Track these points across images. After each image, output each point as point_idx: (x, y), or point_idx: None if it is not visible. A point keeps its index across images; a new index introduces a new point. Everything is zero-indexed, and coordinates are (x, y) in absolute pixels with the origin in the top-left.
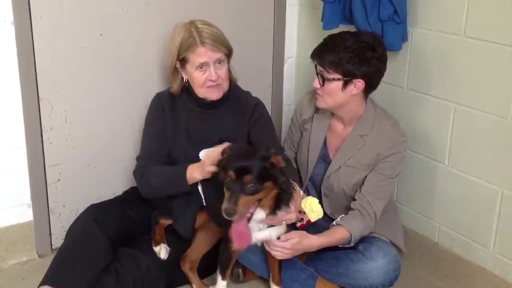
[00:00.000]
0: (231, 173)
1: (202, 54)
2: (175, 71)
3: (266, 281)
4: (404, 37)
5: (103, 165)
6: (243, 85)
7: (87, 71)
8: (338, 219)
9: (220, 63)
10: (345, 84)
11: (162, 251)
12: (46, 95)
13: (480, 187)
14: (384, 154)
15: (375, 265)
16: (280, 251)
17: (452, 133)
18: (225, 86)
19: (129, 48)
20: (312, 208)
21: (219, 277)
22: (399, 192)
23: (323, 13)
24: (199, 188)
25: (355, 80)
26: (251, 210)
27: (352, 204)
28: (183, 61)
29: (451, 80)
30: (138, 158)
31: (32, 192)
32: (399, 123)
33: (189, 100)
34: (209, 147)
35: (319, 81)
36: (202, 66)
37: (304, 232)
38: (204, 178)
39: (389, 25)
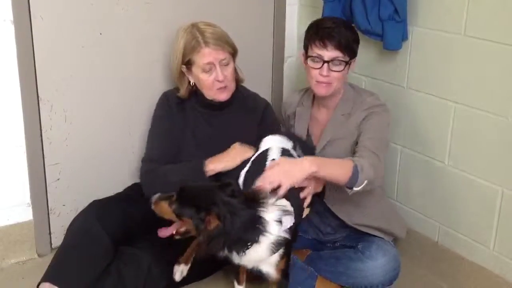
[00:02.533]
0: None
1: (207, 55)
2: (181, 75)
3: (266, 281)
4: (404, 36)
5: (103, 164)
6: (244, 84)
7: (87, 70)
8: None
9: (226, 63)
10: (349, 65)
11: (178, 273)
12: (45, 95)
13: (480, 186)
14: (364, 116)
15: (375, 264)
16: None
17: (452, 132)
18: (232, 86)
19: (129, 48)
20: None
21: (235, 282)
22: (399, 192)
23: (323, 13)
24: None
25: (353, 60)
26: (177, 226)
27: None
28: (188, 64)
29: (451, 79)
30: (145, 160)
31: (31, 191)
32: (380, 97)
33: (196, 102)
34: (215, 150)
35: (330, 69)
36: (208, 67)
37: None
38: (226, 169)
39: (389, 24)
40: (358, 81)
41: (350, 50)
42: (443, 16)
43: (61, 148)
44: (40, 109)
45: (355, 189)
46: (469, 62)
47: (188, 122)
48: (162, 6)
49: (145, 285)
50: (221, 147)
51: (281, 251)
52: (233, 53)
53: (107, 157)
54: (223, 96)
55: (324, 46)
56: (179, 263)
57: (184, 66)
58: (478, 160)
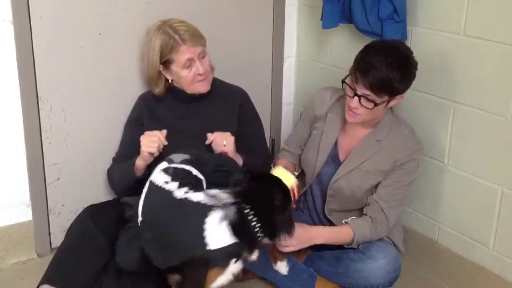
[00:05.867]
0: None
1: (186, 52)
2: (158, 75)
3: (265, 281)
4: (403, 36)
5: (102, 164)
6: (243, 84)
7: (86, 70)
8: (349, 219)
9: (203, 56)
10: (389, 101)
11: None
12: (45, 95)
13: (479, 186)
14: (401, 161)
15: (376, 264)
16: (288, 246)
17: (451, 132)
18: (211, 77)
19: (129, 48)
20: (284, 178)
21: None
22: None
23: (322, 12)
24: None
25: (398, 96)
26: None
27: (365, 210)
28: (166, 63)
29: (451, 79)
30: (113, 159)
31: (31, 191)
32: (416, 133)
33: (174, 98)
34: (200, 141)
35: (360, 103)
36: (188, 63)
37: (305, 225)
38: (145, 162)
39: (389, 24)
40: None
41: (386, 91)
42: (443, 16)
43: (61, 148)
44: (40, 109)
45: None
46: (469, 62)
47: (164, 120)
48: (162, 6)
49: (143, 285)
50: (205, 138)
51: None
52: (205, 44)
53: (107, 157)
54: (204, 88)
55: (356, 81)
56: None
57: (161, 66)
58: (477, 159)
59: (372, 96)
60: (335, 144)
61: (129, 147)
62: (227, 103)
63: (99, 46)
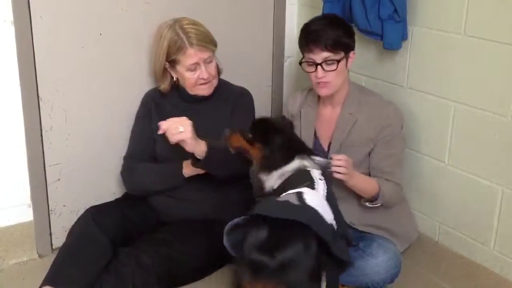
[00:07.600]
0: None
1: (193, 55)
2: (164, 71)
3: None
4: (404, 36)
5: (103, 164)
6: (243, 83)
7: (87, 70)
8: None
9: (210, 61)
10: (346, 60)
11: None
12: (46, 95)
13: (480, 186)
14: (380, 127)
15: (376, 261)
16: (341, 165)
17: (452, 131)
18: (215, 81)
19: (129, 48)
20: None
21: None
22: None
23: (322, 12)
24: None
25: (351, 53)
26: None
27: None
28: (172, 62)
29: (451, 79)
30: (126, 157)
31: (32, 192)
32: (383, 97)
33: (179, 97)
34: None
35: (324, 69)
36: (193, 67)
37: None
38: (197, 153)
39: (389, 23)
40: (358, 81)
41: (340, 47)
42: (443, 15)
43: (62, 148)
44: (40, 109)
45: (367, 204)
46: (469, 62)
47: (172, 116)
48: (162, 6)
49: (144, 285)
50: (206, 137)
51: None
52: (215, 49)
53: (108, 157)
54: (206, 92)
55: (311, 51)
56: None
57: (167, 63)
58: (478, 159)
59: (331, 56)
60: (315, 134)
61: (141, 143)
62: (229, 104)
63: (99, 46)
